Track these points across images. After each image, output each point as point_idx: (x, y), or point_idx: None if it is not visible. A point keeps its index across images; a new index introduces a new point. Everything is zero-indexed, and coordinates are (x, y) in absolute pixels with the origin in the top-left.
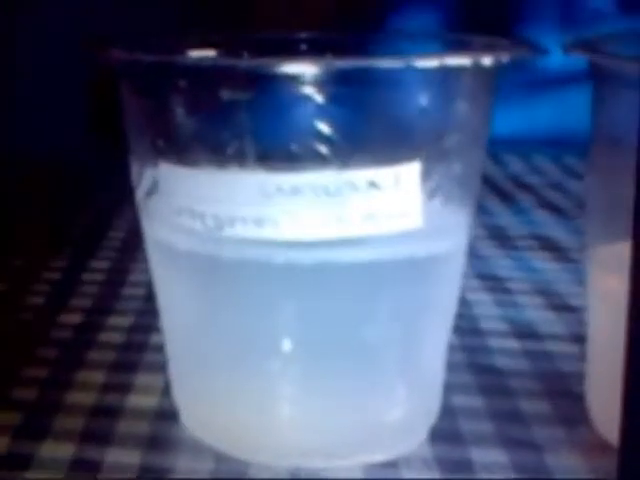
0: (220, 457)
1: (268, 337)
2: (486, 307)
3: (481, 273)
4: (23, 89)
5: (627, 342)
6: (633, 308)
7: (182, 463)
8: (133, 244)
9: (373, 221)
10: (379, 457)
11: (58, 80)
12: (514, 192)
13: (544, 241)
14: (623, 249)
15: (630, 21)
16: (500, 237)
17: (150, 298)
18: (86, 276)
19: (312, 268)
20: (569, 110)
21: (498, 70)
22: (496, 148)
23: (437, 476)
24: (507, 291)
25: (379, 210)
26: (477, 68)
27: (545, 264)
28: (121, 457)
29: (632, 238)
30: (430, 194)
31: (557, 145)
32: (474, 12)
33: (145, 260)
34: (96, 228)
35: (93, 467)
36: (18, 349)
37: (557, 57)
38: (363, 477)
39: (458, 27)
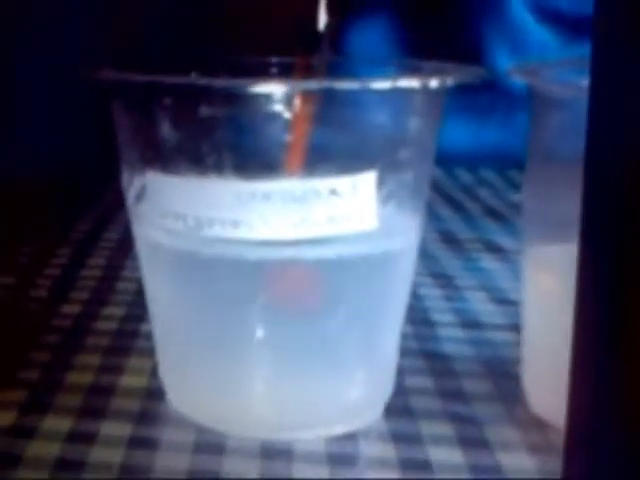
0: (201, 430)
1: (242, 325)
2: (436, 301)
3: (433, 271)
4: (38, 105)
5: (574, 339)
6: (578, 307)
7: (168, 435)
8: (126, 244)
9: (334, 223)
10: (340, 430)
11: (71, 98)
12: (463, 201)
13: (488, 244)
14: (554, 251)
15: (569, 51)
16: (450, 240)
17: (140, 292)
18: (84, 272)
19: (281, 264)
20: (513, 129)
21: (446, 91)
22: (448, 162)
23: (391, 447)
24: (455, 287)
25: (339, 214)
26: (426, 90)
27: (489, 264)
28: (114, 430)
29: (579, 241)
30: (384, 200)
31: (502, 160)
32: (432, 40)
33: (136, 258)
34: (93, 230)
35: (89, 438)
36: (24, 335)
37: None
38: (325, 448)
39: (416, 53)
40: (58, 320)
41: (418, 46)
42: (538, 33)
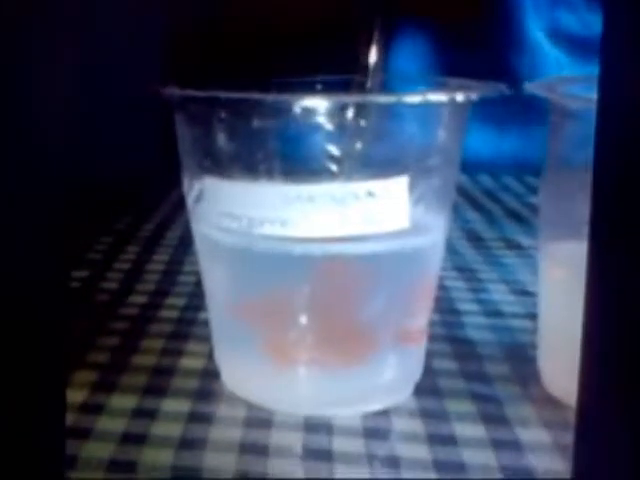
0: (251, 406)
1: (288, 314)
2: (461, 292)
3: (458, 266)
4: (114, 120)
5: (583, 325)
6: (588, 297)
7: (222, 411)
8: (186, 242)
9: (370, 222)
10: (375, 407)
11: (140, 112)
12: (486, 203)
13: (508, 241)
14: (567, 247)
15: (581, 68)
16: (474, 238)
17: (199, 284)
18: (149, 266)
19: (323, 259)
20: (531, 140)
21: (471, 105)
22: (472, 168)
23: (420, 422)
24: (478, 280)
25: (375, 214)
26: (453, 104)
27: (508, 259)
28: (174, 406)
29: (589, 238)
30: (415, 202)
31: (521, 167)
32: (461, 60)
33: (195, 254)
34: (157, 230)
35: (152, 414)
36: (95, 323)
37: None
38: (362, 423)
39: (447, 72)
40: (126, 309)
41: (449, 65)
42: (554, 53)
